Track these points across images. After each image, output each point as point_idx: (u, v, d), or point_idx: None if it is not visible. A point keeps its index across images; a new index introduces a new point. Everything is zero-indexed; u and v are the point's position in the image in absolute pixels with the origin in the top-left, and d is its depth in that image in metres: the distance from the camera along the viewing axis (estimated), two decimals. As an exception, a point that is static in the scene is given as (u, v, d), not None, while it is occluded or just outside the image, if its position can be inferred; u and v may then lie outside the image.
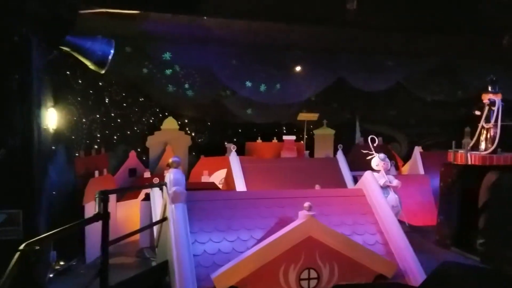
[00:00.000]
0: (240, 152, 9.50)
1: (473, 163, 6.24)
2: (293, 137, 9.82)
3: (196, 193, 5.10)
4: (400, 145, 12.44)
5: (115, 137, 8.95)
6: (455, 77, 8.51)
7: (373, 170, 6.79)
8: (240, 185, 7.95)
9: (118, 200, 7.82)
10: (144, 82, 7.10)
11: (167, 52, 6.76)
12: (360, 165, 8.21)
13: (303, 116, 10.57)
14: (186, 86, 7.04)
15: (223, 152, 10.41)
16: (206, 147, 10.83)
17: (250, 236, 4.88)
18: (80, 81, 6.70)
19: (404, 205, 7.43)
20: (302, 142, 10.88)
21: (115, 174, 8.48)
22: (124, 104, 9.22)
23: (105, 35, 5.07)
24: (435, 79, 8.46)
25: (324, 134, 11.31)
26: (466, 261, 5.38)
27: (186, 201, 4.78)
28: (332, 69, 7.57)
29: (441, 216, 6.12)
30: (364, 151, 6.93)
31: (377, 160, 6.78)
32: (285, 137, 9.80)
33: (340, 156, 9.19)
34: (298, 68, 8.11)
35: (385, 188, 6.64)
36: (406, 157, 11.49)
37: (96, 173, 6.86)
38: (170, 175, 4.80)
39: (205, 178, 8.76)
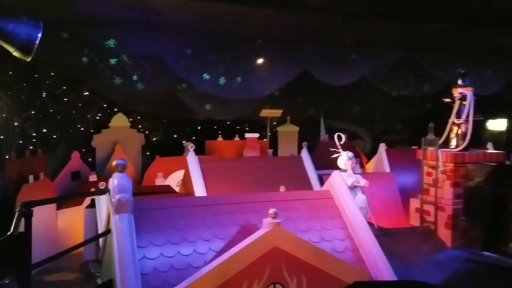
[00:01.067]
0: (199, 151, 9.02)
1: (444, 161, 6.08)
2: (256, 135, 9.44)
3: (145, 201, 4.55)
4: (364, 142, 12.41)
5: (54, 136, 8.12)
6: (422, 71, 8.42)
7: (339, 169, 6.34)
8: (199, 188, 7.48)
9: (58, 207, 7.06)
10: (84, 73, 6.36)
11: (111, 39, 6.06)
12: (325, 163, 8.01)
13: (266, 113, 10.25)
14: (135, 78, 6.38)
15: (180, 151, 9.91)
16: (162, 146, 10.25)
17: (209, 249, 4.41)
18: (10, 73, 5.88)
19: (371, 205, 7.23)
20: (265, 139, 10.53)
21: (55, 178, 7.68)
22: (66, 99, 8.42)
23: (33, 17, 4.37)
24: (400, 73, 8.32)
25: (288, 131, 11.06)
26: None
27: (133, 210, 4.19)
28: (297, 61, 7.19)
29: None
30: (332, 149, 6.61)
31: (344, 158, 6.48)
32: (247, 135, 9.41)
33: (305, 154, 8.93)
34: (260, 60, 7.67)
35: (352, 188, 6.37)
36: (370, 154, 11.42)
37: (31, 178, 6.09)
38: (113, 181, 4.22)
39: (160, 181, 8.19)
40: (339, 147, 6.57)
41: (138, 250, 4.14)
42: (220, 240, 4.47)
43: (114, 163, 4.44)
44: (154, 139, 10.17)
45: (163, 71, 6.67)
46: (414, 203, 6.86)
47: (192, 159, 7.93)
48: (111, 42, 6.07)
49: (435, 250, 5.94)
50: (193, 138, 10.08)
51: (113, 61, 6.29)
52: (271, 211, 4.16)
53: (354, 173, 6.70)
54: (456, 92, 6.12)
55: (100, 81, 6.76)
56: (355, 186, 6.47)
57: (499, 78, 8.52)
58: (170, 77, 6.87)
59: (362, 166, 10.37)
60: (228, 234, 4.59)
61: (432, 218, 6.33)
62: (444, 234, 6.13)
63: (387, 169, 9.45)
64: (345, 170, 6.65)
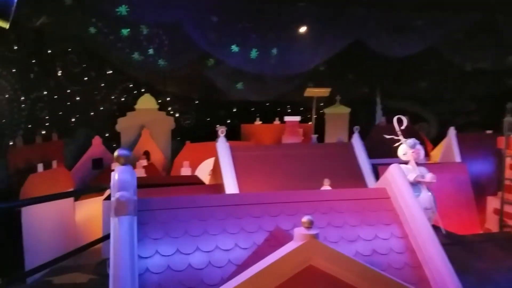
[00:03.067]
0: (235, 136, 8.50)
1: (536, 151, 5.02)
2: (297, 118, 8.74)
3: (154, 200, 4.04)
4: (429, 125, 11.26)
5: (72, 120, 7.83)
6: (503, 38, 7.11)
7: (398, 159, 5.78)
8: (229, 180, 7.07)
9: (76, 198, 6.78)
10: (93, 46, 5.87)
11: (123, 5, 5.48)
12: (382, 151, 7.26)
13: (311, 92, 9.49)
14: (150, 51, 5.79)
15: (213, 137, 9.39)
16: (194, 131, 9.82)
17: (228, 261, 3.84)
18: (15, 47, 5.50)
19: (438, 204, 6.32)
20: (310, 123, 9.81)
21: (73, 167, 7.40)
22: (86, 78, 8.08)
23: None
24: (476, 41, 7.10)
25: (337, 114, 10.25)
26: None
27: (136, 211, 3.66)
28: (347, 28, 6.26)
29: None
30: (388, 136, 5.76)
31: (405, 147, 5.59)
32: (286, 118, 8.68)
33: (356, 140, 8.21)
34: (302, 28, 6.79)
35: (415, 184, 5.50)
36: (436, 140, 10.29)
37: (40, 166, 5.75)
38: (114, 175, 3.69)
39: (185, 171, 7.72)
40: (399, 133, 5.70)
41: (141, 261, 3.63)
42: (242, 251, 3.89)
43: (115, 153, 3.89)
44: (185, 122, 9.69)
45: (184, 44, 6.03)
46: (492, 202, 5.85)
47: (222, 146, 7.46)
48: (123, 9, 5.49)
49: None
50: (228, 121, 9.51)
51: (125, 31, 5.72)
52: (305, 219, 3.46)
53: (418, 165, 5.80)
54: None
55: (117, 57, 6.24)
56: (419, 182, 5.59)
57: None
58: (193, 51, 6.21)
59: (426, 154, 9.33)
60: (253, 243, 4.00)
61: (517, 223, 5.31)
62: (533, 244, 5.11)
63: (457, 158, 8.49)
64: (406, 162, 5.77)
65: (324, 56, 6.79)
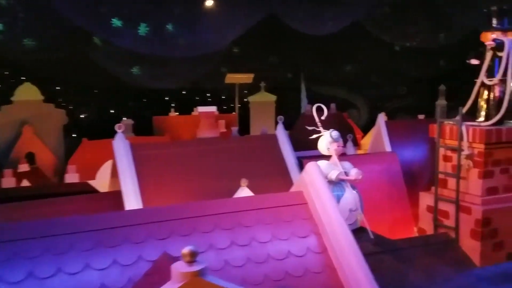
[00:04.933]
0: (146, 131, 7.59)
1: (471, 140, 4.66)
2: (213, 108, 7.95)
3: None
4: (359, 112, 11.02)
5: None
6: (437, 13, 6.77)
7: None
8: (128, 186, 6.33)
9: None
10: None
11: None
12: (308, 142, 6.67)
13: (233, 78, 8.85)
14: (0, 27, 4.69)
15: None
16: (94, 126, 8.74)
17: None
18: None
19: (368, 198, 5.94)
20: (234, 113, 9.13)
21: None
22: None
23: None
24: (407, 16, 6.71)
25: (263, 102, 9.63)
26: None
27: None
28: (258, 0, 5.53)
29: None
30: (309, 127, 5.17)
31: (326, 140, 5.03)
32: (200, 109, 7.89)
33: (280, 131, 7.62)
34: None
35: (339, 183, 4.95)
36: (367, 127, 10.04)
37: None
38: None
39: (71, 177, 6.69)
40: (318, 124, 5.11)
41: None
42: (111, 293, 3.06)
43: None
44: (82, 116, 8.56)
45: (50, 17, 4.96)
46: (425, 198, 5.54)
47: (120, 144, 6.50)
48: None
49: (456, 270, 4.62)
50: (138, 113, 8.54)
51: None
52: (186, 250, 2.74)
53: (341, 161, 5.26)
54: (489, 38, 4.61)
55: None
56: (343, 180, 5.04)
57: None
58: (64, 27, 5.17)
59: (356, 143, 9.02)
60: (128, 280, 3.21)
61: (452, 222, 5.06)
62: (470, 246, 4.83)
63: (387, 147, 8.19)
64: (328, 157, 5.20)
65: (235, 33, 6.03)
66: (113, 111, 8.76)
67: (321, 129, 5.21)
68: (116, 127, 6.62)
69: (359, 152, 9.85)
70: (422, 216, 5.78)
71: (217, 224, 3.67)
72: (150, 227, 3.50)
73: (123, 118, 8.51)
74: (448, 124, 5.18)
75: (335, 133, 5.24)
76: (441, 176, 5.35)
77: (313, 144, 6.11)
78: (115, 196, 6.25)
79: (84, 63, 6.71)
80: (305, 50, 8.19)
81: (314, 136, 5.39)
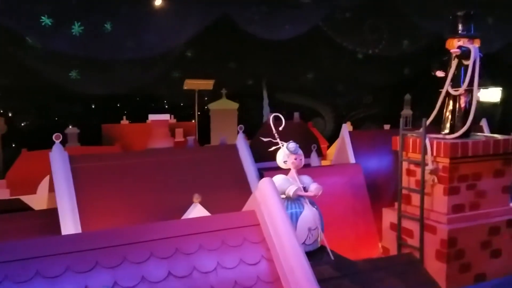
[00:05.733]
0: (95, 140, 7.06)
1: (435, 154, 4.42)
2: (165, 116, 7.50)
3: None
4: (324, 121, 10.80)
5: None
6: (401, 19, 6.59)
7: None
8: (64, 203, 5.82)
9: None
10: None
11: None
12: (270, 153, 6.34)
13: (191, 84, 8.40)
14: None
15: (63, 141, 7.83)
16: (36, 135, 8.11)
17: None
18: None
19: (329, 215, 5.64)
20: (193, 121, 8.73)
21: None
22: None
23: None
24: (369, 22, 6.49)
25: (224, 110, 9.19)
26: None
27: None
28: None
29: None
30: (265, 139, 4.83)
31: (283, 153, 4.70)
32: (151, 117, 7.41)
33: (240, 142, 7.24)
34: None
35: (298, 199, 4.61)
36: (333, 137, 9.80)
37: None
38: None
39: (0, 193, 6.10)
40: (276, 134, 4.78)
41: None
42: None
43: None
44: (22, 124, 7.92)
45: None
46: (389, 215, 5.29)
47: (57, 156, 5.96)
48: None
49: (421, 294, 4.35)
50: (86, 121, 7.97)
51: None
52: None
53: (301, 174, 4.97)
54: (454, 45, 4.39)
55: None
56: (301, 196, 4.70)
57: (504, 31, 6.91)
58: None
59: (320, 154, 8.76)
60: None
61: (416, 242, 4.78)
62: (436, 268, 4.57)
63: (351, 158, 7.88)
64: (287, 170, 4.89)
65: (186, 35, 5.58)
66: (57, 119, 8.17)
67: (278, 140, 4.86)
68: (54, 136, 6.09)
69: (324, 163, 9.61)
70: (386, 234, 5.52)
71: (152, 252, 3.26)
72: (70, 258, 3.03)
73: (69, 126, 7.92)
74: (412, 136, 4.94)
75: (292, 145, 4.90)
76: (404, 191, 5.10)
77: (275, 155, 5.80)
78: (50, 214, 5.69)
79: (21, 66, 6.13)
80: (265, 56, 7.89)
81: (273, 148, 5.06)
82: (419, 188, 4.81)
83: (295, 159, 4.94)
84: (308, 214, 4.84)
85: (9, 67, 6.19)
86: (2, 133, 7.57)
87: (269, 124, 7.64)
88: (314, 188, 4.91)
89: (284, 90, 9.29)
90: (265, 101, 9.41)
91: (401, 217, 5.02)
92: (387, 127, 9.44)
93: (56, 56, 5.21)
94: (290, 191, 4.73)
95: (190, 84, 8.50)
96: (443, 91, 4.72)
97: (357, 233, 7.06)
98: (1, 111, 7.75)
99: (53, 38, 4.61)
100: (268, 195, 3.92)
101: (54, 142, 7.78)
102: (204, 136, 9.04)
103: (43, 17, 4.44)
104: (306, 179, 5.09)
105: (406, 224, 4.99)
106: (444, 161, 4.61)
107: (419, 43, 6.64)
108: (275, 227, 3.70)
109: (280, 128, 5.17)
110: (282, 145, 4.95)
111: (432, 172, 4.68)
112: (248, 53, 7.66)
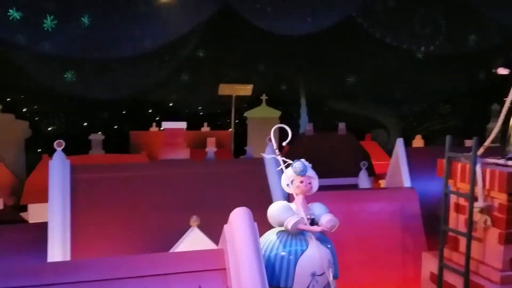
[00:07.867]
0: (122, 147, 6.89)
1: (488, 187, 3.38)
2: (181, 124, 6.97)
3: None
4: (388, 133, 9.60)
5: None
6: (466, 10, 5.41)
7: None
8: (56, 218, 5.35)
9: None
10: None
11: None
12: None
13: (228, 89, 7.83)
14: None
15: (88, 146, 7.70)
16: (63, 140, 7.95)
17: None
18: None
19: (369, 252, 5.02)
20: (230, 130, 8.24)
21: None
22: None
23: None
24: (419, 13, 5.39)
25: (263, 118, 8.53)
26: None
27: None
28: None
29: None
30: (267, 155, 4.12)
31: (287, 173, 3.93)
32: (165, 124, 6.94)
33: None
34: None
35: (300, 234, 3.81)
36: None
37: None
38: None
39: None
40: (276, 151, 4.02)
41: None
42: None
43: None
44: (49, 129, 7.87)
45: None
46: (429, 263, 4.19)
47: (57, 165, 5.64)
48: None
49: None
50: (115, 127, 7.77)
51: None
52: None
53: (310, 203, 4.14)
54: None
55: None
56: (305, 230, 3.89)
57: None
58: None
59: (373, 173, 7.67)
60: None
61: (459, 304, 3.63)
62: None
63: (406, 181, 6.73)
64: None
65: (180, 26, 4.91)
66: (85, 124, 8.02)
67: (279, 157, 4.03)
68: (56, 144, 5.79)
69: (377, 185, 8.46)
70: (425, 285, 4.43)
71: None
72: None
73: (98, 133, 7.74)
74: (460, 160, 3.84)
75: (298, 164, 4.04)
76: (451, 233, 4.00)
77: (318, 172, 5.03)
78: (42, 228, 5.37)
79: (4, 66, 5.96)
80: (293, 55, 7.01)
81: (279, 168, 4.25)
82: (466, 231, 3.71)
83: (301, 182, 4.07)
84: (313, 254, 3.90)
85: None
86: (26, 137, 7.56)
87: (308, 136, 6.77)
88: (326, 221, 3.98)
89: (327, 96, 8.34)
90: (303, 109, 8.54)
91: (442, 267, 3.93)
92: (468, 143, 8.15)
93: (42, 55, 4.90)
94: (289, 223, 3.86)
95: (226, 88, 7.94)
96: (506, 104, 3.62)
97: (405, 277, 5.95)
98: (28, 115, 7.77)
99: (24, 33, 4.23)
100: (237, 230, 3.18)
101: (81, 148, 7.61)
102: (242, 146, 8.44)
103: (11, 10, 4.08)
104: (317, 208, 4.18)
105: (449, 277, 3.89)
106: (501, 197, 3.50)
107: (493, 38, 5.40)
108: (239, 275, 2.94)
109: (284, 143, 4.35)
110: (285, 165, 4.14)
111: (484, 211, 3.57)
112: (271, 52, 6.86)
